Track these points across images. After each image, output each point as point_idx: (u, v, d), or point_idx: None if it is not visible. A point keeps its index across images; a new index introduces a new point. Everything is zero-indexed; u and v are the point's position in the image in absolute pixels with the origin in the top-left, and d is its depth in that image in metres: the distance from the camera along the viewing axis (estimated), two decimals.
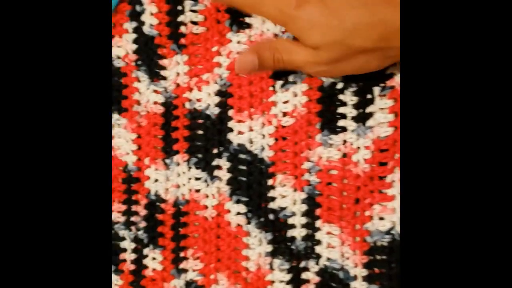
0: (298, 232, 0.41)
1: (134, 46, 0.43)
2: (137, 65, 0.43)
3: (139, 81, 0.44)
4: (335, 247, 0.40)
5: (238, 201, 0.42)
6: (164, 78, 0.43)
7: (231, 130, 0.42)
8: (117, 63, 0.44)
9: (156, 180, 0.44)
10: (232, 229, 0.42)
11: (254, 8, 0.34)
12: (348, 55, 0.32)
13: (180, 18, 0.42)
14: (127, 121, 0.45)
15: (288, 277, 0.41)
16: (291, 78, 0.39)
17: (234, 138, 0.42)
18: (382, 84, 0.38)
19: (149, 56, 0.43)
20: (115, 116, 0.45)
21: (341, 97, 0.39)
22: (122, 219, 0.45)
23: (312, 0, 0.31)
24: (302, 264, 0.41)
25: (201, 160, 0.43)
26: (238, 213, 0.42)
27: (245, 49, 0.39)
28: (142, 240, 0.45)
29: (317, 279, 0.41)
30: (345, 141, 0.40)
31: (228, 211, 0.42)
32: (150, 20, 0.42)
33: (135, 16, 0.42)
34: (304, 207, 0.41)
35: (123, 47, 0.43)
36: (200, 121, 0.43)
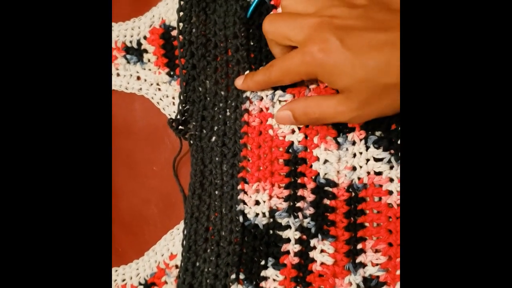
0: None
1: None
2: None
3: None
4: None
5: None
6: None
7: None
8: None
9: (326, 161, 0.39)
10: None
11: (289, 76, 0.37)
12: (375, 94, 0.33)
13: None
14: (293, 96, 0.40)
15: None
16: None
17: None
18: None
19: None
20: (278, 92, 0.40)
21: None
22: (284, 205, 0.40)
23: (334, 47, 0.33)
24: None
25: (382, 138, 0.38)
26: None
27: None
28: (309, 230, 0.40)
29: None
30: None
31: None
32: None
33: None
34: None
35: None
36: None
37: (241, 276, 0.41)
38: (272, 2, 0.42)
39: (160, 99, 0.45)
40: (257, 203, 0.41)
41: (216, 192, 0.42)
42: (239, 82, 0.40)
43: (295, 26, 0.35)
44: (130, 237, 0.46)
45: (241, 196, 0.41)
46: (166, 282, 0.44)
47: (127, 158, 0.46)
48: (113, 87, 0.46)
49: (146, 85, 0.45)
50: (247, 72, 0.41)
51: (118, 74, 0.46)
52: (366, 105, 0.34)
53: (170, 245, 0.44)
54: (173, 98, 0.44)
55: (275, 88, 0.40)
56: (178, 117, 0.43)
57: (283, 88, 0.40)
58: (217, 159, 0.42)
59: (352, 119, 0.36)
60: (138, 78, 0.46)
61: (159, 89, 0.45)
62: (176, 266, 0.44)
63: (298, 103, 0.38)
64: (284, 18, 0.36)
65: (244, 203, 0.41)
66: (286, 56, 0.36)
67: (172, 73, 0.44)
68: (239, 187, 0.41)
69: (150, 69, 0.45)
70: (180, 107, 0.43)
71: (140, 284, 0.45)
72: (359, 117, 0.35)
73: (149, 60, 0.45)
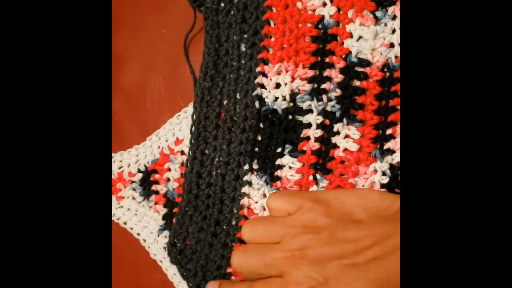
0: None
1: None
2: None
3: None
4: None
5: None
6: None
7: None
8: None
9: (360, 38, 0.35)
10: None
11: None
12: None
13: None
14: None
15: None
16: None
17: None
18: None
19: None
20: None
21: None
22: (307, 87, 0.36)
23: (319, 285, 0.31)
24: None
25: None
26: None
27: None
28: (333, 113, 0.36)
29: None
30: None
31: None
32: None
33: None
34: None
35: None
36: None
37: (255, 166, 0.37)
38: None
39: None
40: (278, 86, 0.37)
41: (232, 76, 0.38)
42: None
43: (266, 263, 0.33)
44: (128, 105, 0.41)
45: (259, 79, 0.37)
46: (169, 169, 0.40)
47: (131, 19, 0.41)
48: None
49: None
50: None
51: None
52: None
53: (176, 129, 0.40)
54: None
55: None
56: None
57: None
58: (235, 37, 0.38)
59: None
60: None
61: None
62: (182, 152, 0.40)
63: None
64: (252, 253, 0.34)
65: (262, 86, 0.37)
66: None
67: None
68: (258, 69, 0.37)
69: None
70: None
71: (139, 171, 0.41)
72: None
73: None
